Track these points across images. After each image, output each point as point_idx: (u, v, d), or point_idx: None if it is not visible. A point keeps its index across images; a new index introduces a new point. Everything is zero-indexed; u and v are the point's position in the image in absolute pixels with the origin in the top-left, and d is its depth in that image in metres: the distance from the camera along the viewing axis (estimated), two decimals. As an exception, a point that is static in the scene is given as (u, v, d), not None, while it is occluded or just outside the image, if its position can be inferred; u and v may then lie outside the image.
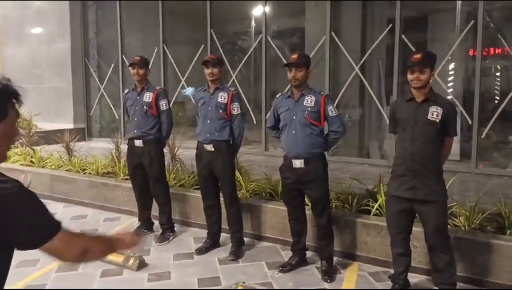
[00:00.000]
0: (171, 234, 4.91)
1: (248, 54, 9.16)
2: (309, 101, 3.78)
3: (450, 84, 7.93)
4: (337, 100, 7.66)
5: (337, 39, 7.70)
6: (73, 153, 7.17)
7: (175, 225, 5.04)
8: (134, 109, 4.78)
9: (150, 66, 4.92)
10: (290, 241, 4.19)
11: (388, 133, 3.76)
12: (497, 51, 8.00)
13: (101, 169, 6.34)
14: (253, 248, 4.62)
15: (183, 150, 6.27)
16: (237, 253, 4.39)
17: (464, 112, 6.92)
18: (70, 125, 10.61)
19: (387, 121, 3.51)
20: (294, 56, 3.78)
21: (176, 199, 5.26)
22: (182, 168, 6.00)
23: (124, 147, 5.21)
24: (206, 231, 4.65)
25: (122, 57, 10.44)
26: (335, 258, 4.09)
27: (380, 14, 8.12)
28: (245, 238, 4.61)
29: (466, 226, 3.87)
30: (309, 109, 3.77)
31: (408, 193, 3.26)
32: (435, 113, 3.19)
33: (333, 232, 4.03)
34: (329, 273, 3.90)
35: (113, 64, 10.68)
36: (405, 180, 3.27)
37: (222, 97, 4.30)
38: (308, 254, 4.21)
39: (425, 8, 8.65)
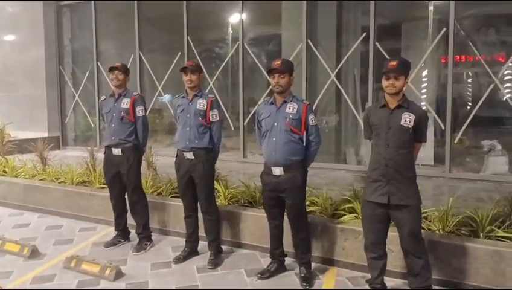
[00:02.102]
0: (148, 243, 4.85)
1: (225, 61, 9.18)
2: (291, 108, 3.79)
3: (424, 90, 8.10)
4: (314, 107, 7.70)
5: (313, 46, 7.79)
6: (47, 162, 7.04)
7: (152, 233, 4.98)
8: (111, 115, 4.71)
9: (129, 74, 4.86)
10: (269, 248, 4.17)
11: (364, 139, 3.80)
12: (468, 58, 8.22)
13: (76, 178, 6.23)
14: (232, 256, 4.60)
15: (161, 158, 6.21)
16: (216, 261, 4.36)
17: (437, 118, 7.08)
18: (45, 134, 10.42)
19: (363, 127, 3.56)
20: (278, 62, 3.76)
21: (154, 207, 5.20)
22: (159, 176, 5.94)
23: (100, 156, 5.12)
24: (184, 240, 4.61)
25: (97, 64, 10.33)
26: (313, 264, 4.10)
27: (355, 22, 8.25)
28: (223, 246, 4.59)
29: (441, 230, 3.94)
30: (291, 116, 3.77)
31: (383, 198, 3.31)
32: (407, 119, 3.26)
33: (310, 239, 4.05)
34: (308, 279, 3.91)
35: (88, 72, 10.55)
36: (379, 186, 3.32)
37: (201, 104, 4.27)
38: (287, 260, 4.21)
39: (398, 16, 8.84)
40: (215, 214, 4.44)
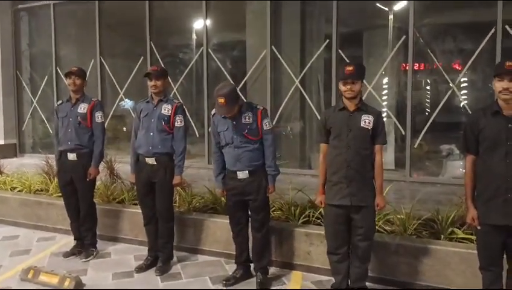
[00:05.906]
0: (94, 249, 4.79)
1: (189, 66, 9.10)
2: (247, 118, 3.79)
3: (384, 97, 8.29)
4: (278, 113, 7.77)
5: (277, 53, 7.84)
6: (1, 170, 6.76)
7: (114, 242, 4.85)
8: (67, 120, 4.59)
9: (86, 78, 4.76)
10: (234, 254, 4.15)
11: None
12: (427, 65, 8.48)
13: (34, 187, 6.01)
14: (196, 263, 4.53)
15: (122, 165, 6.07)
16: (164, 268, 4.31)
17: (398, 123, 7.25)
18: (1, 141, 10.04)
19: (319, 131, 3.56)
20: (222, 90, 3.62)
21: (115, 215, 5.08)
22: (121, 183, 5.80)
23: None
24: (147, 248, 4.51)
25: (56, 69, 10.04)
26: (278, 269, 4.09)
27: (318, 29, 8.36)
28: (187, 254, 4.51)
29: (402, 232, 4.01)
30: (248, 126, 3.78)
31: (344, 200, 3.35)
32: (367, 120, 3.35)
33: (270, 244, 4.04)
34: (265, 285, 3.91)
35: (46, 77, 10.24)
36: (341, 188, 3.36)
37: (166, 109, 4.21)
38: (253, 266, 4.18)
39: (360, 24, 9.03)
40: (172, 221, 4.41)
